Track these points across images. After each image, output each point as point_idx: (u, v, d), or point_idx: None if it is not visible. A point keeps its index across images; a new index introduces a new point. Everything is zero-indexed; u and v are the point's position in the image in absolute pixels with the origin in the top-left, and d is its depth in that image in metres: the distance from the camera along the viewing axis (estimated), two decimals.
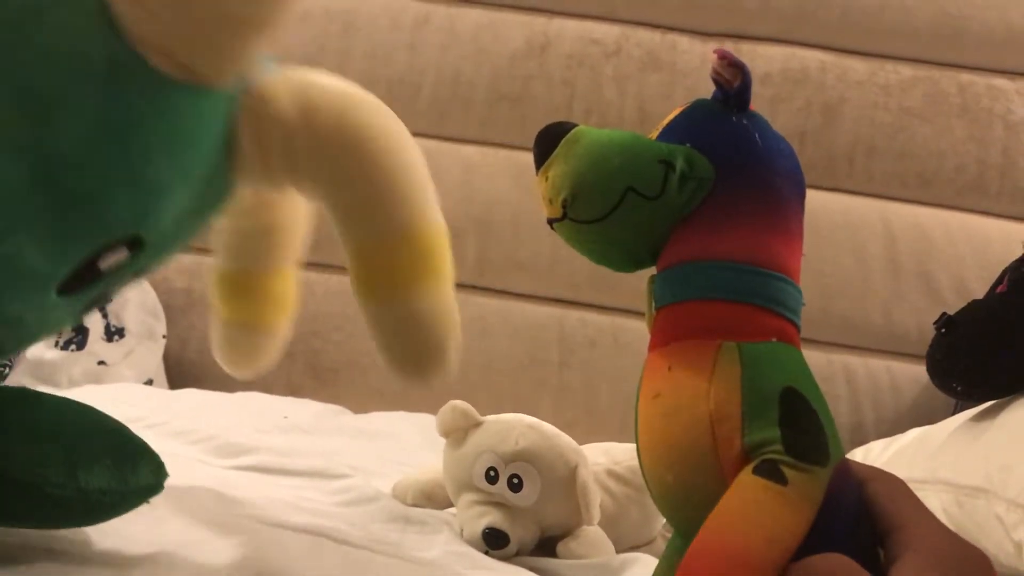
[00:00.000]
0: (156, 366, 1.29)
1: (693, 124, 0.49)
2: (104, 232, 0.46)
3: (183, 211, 0.50)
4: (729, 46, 1.37)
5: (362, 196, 0.52)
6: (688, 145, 0.47)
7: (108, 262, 0.47)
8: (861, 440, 1.22)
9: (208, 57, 0.46)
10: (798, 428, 0.42)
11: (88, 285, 0.48)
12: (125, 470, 0.49)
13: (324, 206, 0.55)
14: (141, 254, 0.49)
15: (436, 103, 1.36)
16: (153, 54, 0.44)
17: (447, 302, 0.54)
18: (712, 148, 0.47)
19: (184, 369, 1.33)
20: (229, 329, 0.69)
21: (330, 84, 0.53)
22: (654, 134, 0.50)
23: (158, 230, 0.49)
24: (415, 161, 0.54)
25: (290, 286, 0.70)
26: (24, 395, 0.49)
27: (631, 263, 0.51)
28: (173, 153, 0.47)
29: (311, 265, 1.30)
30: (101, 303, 0.54)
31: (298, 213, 0.67)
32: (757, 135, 0.48)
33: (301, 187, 0.54)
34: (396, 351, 0.53)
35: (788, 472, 0.40)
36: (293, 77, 0.53)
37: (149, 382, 1.26)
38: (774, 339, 0.45)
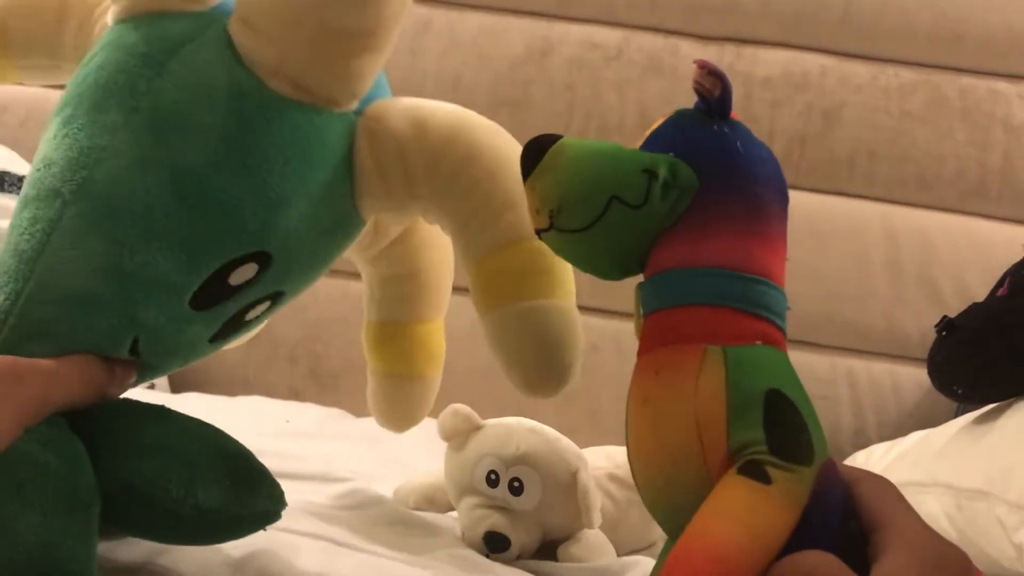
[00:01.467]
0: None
1: (676, 133, 0.49)
2: (230, 243, 0.50)
3: (310, 232, 0.53)
4: (730, 50, 1.38)
5: (477, 205, 0.54)
6: (671, 154, 0.48)
7: (238, 278, 0.51)
8: (863, 443, 1.22)
9: (318, 74, 0.51)
10: (782, 428, 0.43)
11: (220, 301, 0.51)
12: (242, 493, 0.50)
13: (443, 222, 0.56)
14: (269, 272, 0.52)
15: None
16: (269, 77, 0.50)
17: (566, 314, 0.54)
18: (694, 157, 0.48)
19: (186, 374, 1.34)
20: (381, 381, 0.72)
21: (441, 103, 0.56)
22: (638, 143, 0.51)
23: (284, 247, 0.52)
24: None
25: (439, 336, 0.72)
26: (156, 411, 0.51)
27: (618, 271, 0.52)
28: (292, 169, 0.51)
29: None
30: (238, 329, 0.56)
31: (441, 262, 0.70)
32: (738, 143, 0.49)
33: (420, 203, 0.56)
34: (515, 361, 0.54)
35: (772, 472, 0.41)
36: (405, 99, 0.56)
37: (151, 386, 1.26)
38: (759, 342, 0.46)
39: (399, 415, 0.73)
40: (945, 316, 0.84)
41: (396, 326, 0.70)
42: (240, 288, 0.52)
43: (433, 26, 1.38)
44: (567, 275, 0.55)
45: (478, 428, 0.75)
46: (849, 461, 1.11)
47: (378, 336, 0.71)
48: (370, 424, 1.17)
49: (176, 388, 1.29)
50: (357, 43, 0.50)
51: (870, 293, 1.34)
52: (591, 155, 0.48)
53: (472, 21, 1.40)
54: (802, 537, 0.40)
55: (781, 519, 0.40)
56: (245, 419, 1.06)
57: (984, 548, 0.76)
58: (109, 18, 0.54)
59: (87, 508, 0.46)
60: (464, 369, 1.35)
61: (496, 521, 0.69)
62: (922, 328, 1.30)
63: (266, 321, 0.62)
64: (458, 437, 0.75)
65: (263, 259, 0.51)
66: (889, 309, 1.33)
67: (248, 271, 0.51)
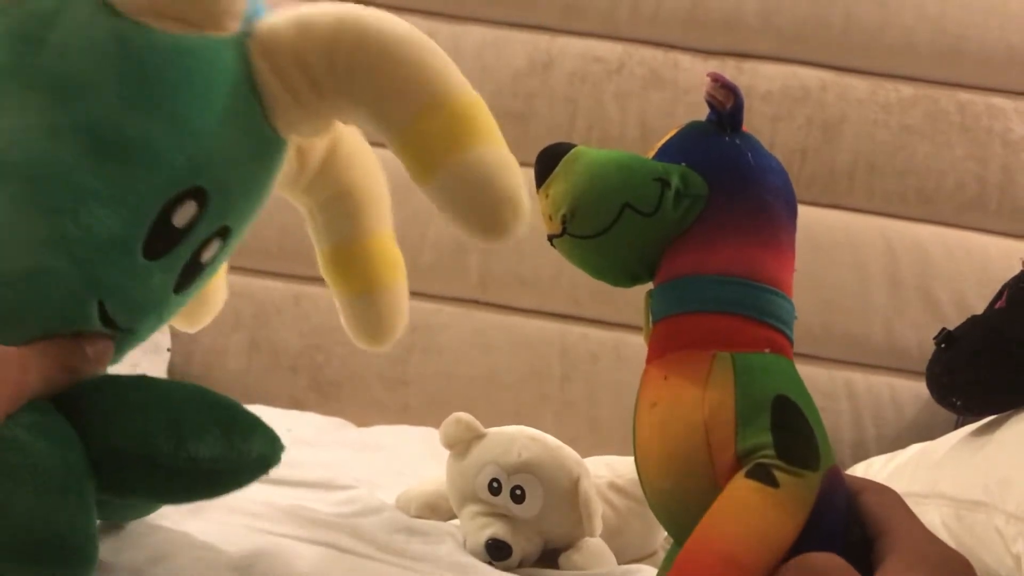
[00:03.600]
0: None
1: (688, 144, 0.50)
2: (161, 184, 0.51)
3: (235, 159, 0.55)
4: (731, 64, 1.39)
5: (382, 84, 0.54)
6: (683, 164, 0.49)
7: (181, 218, 0.52)
8: (862, 455, 1.23)
9: (192, 5, 0.52)
10: (789, 433, 0.43)
11: (171, 247, 0.53)
12: (235, 440, 0.51)
13: (358, 113, 0.56)
14: (210, 208, 0.53)
15: None
16: (147, 18, 0.51)
17: (502, 155, 0.54)
18: (706, 166, 0.49)
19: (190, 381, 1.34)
20: (351, 302, 0.72)
21: (321, 4, 0.56)
22: (651, 153, 0.51)
23: (214, 179, 0.53)
24: (426, 40, 0.56)
25: (391, 246, 0.72)
26: (136, 379, 0.52)
27: (628, 278, 0.52)
28: (196, 99, 0.52)
29: (312, 279, 1.32)
30: (198, 274, 0.57)
31: (371, 173, 0.70)
32: (749, 154, 0.50)
33: (329, 101, 0.56)
34: (466, 210, 0.54)
35: (779, 475, 0.42)
36: (286, 10, 0.56)
37: None
38: (767, 350, 0.46)
39: (378, 330, 0.72)
40: (944, 328, 0.85)
41: (347, 245, 0.70)
42: (187, 230, 0.53)
43: (437, 39, 1.38)
44: (489, 122, 0.55)
45: (480, 436, 0.75)
46: (849, 473, 1.11)
47: (333, 261, 0.71)
48: (371, 433, 1.19)
49: None
50: None
51: (869, 305, 1.35)
52: (605, 163, 0.49)
53: (475, 34, 1.41)
54: (808, 540, 0.41)
55: (788, 522, 0.41)
56: None
57: (983, 558, 0.77)
58: None
59: (81, 484, 0.47)
60: (464, 377, 1.36)
61: (498, 529, 0.70)
62: (921, 341, 1.31)
63: (224, 264, 0.63)
64: (460, 445, 0.75)
65: (199, 195, 0.53)
66: (888, 321, 1.34)
67: (189, 209, 0.52)
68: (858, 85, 1.38)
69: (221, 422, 0.51)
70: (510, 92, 1.39)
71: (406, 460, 1.00)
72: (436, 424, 1.25)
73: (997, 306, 0.85)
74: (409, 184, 1.20)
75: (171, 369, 1.31)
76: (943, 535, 0.81)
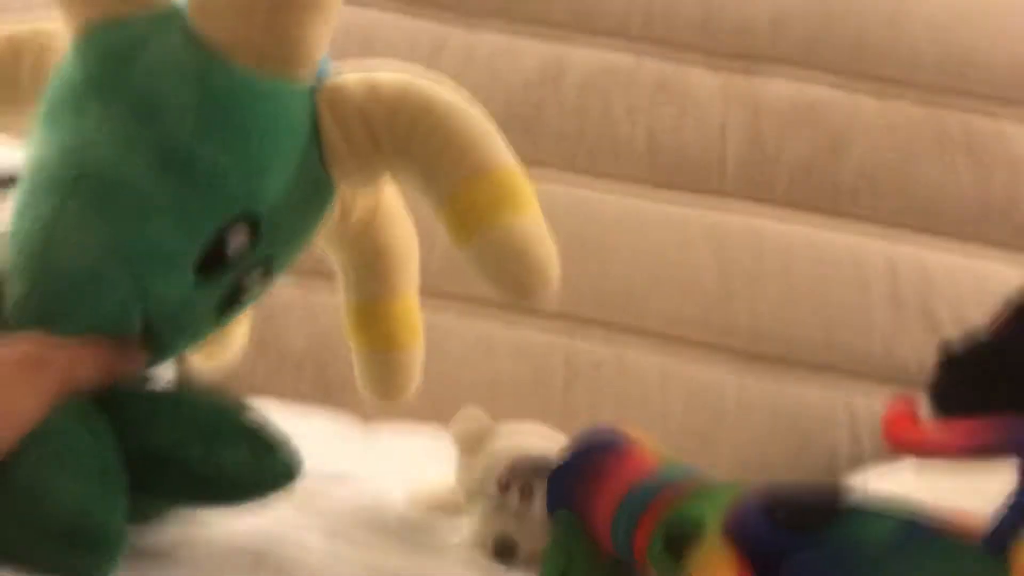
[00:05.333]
0: (168, 380, 1.30)
1: None
2: (221, 207, 0.55)
3: (290, 197, 0.59)
4: (740, 78, 1.40)
5: (438, 148, 0.58)
6: None
7: (233, 242, 0.56)
8: (859, 468, 1.24)
9: (275, 46, 0.56)
10: None
11: (221, 270, 0.56)
12: (261, 453, 0.56)
13: (411, 172, 0.61)
14: (261, 237, 0.57)
15: None
16: (233, 55, 0.55)
17: (538, 224, 0.58)
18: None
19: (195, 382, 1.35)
20: (368, 360, 0.77)
21: (387, 68, 0.61)
22: None
23: (269, 211, 0.57)
24: (480, 115, 0.60)
25: (414, 310, 0.76)
26: (170, 393, 0.58)
27: None
28: (265, 137, 0.56)
29: (320, 277, 1.32)
30: (237, 299, 0.61)
31: (407, 236, 0.74)
32: None
33: (385, 157, 0.60)
34: (500, 275, 0.57)
35: None
36: (353, 71, 0.62)
37: None
38: None
39: (390, 387, 0.78)
40: (945, 348, 0.86)
41: (374, 304, 0.74)
42: (237, 256, 0.57)
43: (449, 45, 1.41)
44: (529, 194, 0.59)
45: (491, 433, 0.76)
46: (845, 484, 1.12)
47: (358, 317, 0.75)
48: (380, 431, 1.19)
49: None
50: (305, 12, 0.55)
51: (870, 322, 1.36)
52: None
53: (488, 41, 1.42)
54: None
55: None
56: None
57: None
58: (67, 35, 0.59)
59: (117, 477, 0.50)
60: (467, 382, 1.37)
61: (506, 527, 0.71)
62: (920, 359, 1.31)
63: (240, 319, 0.66)
64: (470, 441, 0.76)
65: (253, 222, 0.56)
66: (889, 339, 1.35)
67: (241, 236, 0.56)
68: (866, 103, 1.40)
69: (249, 435, 0.54)
70: (521, 99, 1.40)
71: (413, 459, 1.01)
72: (443, 423, 1.27)
73: (998, 326, 0.86)
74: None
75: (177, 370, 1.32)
76: None
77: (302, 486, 0.80)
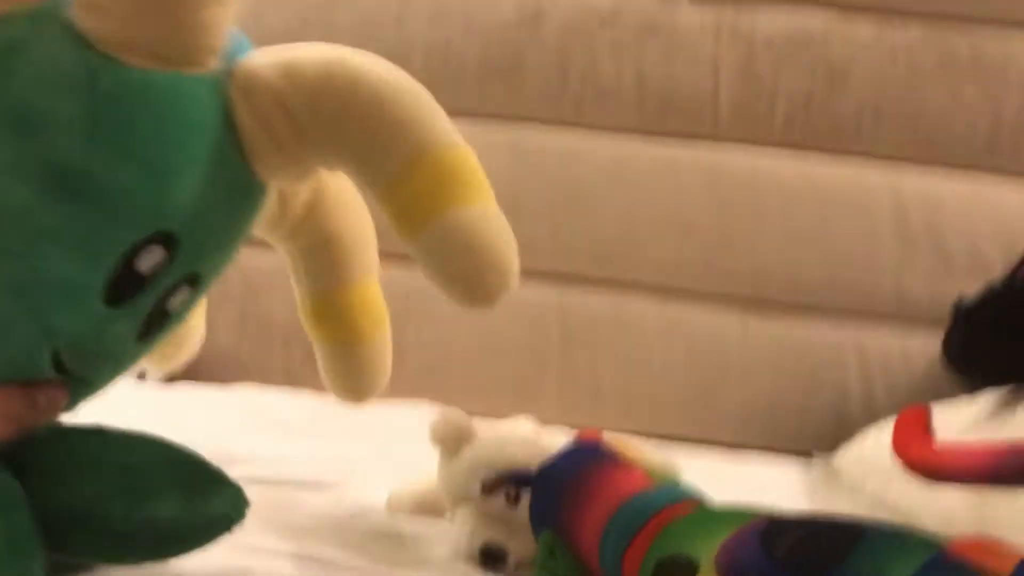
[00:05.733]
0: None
1: None
2: (125, 228, 0.48)
3: (209, 202, 0.51)
4: (730, 11, 1.32)
5: (370, 134, 0.52)
6: None
7: (146, 264, 0.49)
8: (873, 412, 1.19)
9: (169, 37, 0.49)
10: None
11: (134, 294, 0.50)
12: (196, 501, 0.50)
13: (343, 162, 0.54)
14: (180, 254, 0.50)
15: (427, 78, 1.29)
16: (124, 53, 0.48)
17: (491, 214, 0.52)
18: None
19: None
20: (330, 353, 0.70)
21: (308, 46, 0.53)
22: None
23: (185, 223, 0.50)
24: (417, 89, 0.54)
25: (376, 297, 0.69)
26: (93, 432, 0.51)
27: None
28: (170, 138, 0.49)
29: None
30: (164, 322, 0.54)
31: (358, 221, 0.67)
32: None
33: (313, 149, 0.53)
34: (450, 275, 0.52)
35: None
36: (271, 49, 0.54)
37: (142, 375, 1.23)
38: None
39: (357, 385, 0.71)
40: (960, 300, 0.80)
41: (330, 295, 0.68)
42: (152, 276, 0.50)
43: None
44: (480, 179, 0.53)
45: (471, 436, 0.71)
46: (859, 441, 1.08)
47: (314, 310, 0.69)
48: (365, 415, 1.15)
49: (168, 376, 1.26)
50: None
51: (878, 258, 1.30)
52: None
53: None
54: None
55: None
56: (236, 412, 1.03)
57: (1007, 539, 0.73)
58: None
59: (28, 542, 0.45)
60: (461, 346, 1.32)
61: (493, 534, 0.67)
62: (932, 294, 1.26)
63: (194, 312, 0.60)
64: (451, 444, 0.72)
65: (168, 240, 0.50)
66: (898, 276, 1.29)
67: (155, 255, 0.50)
68: (864, 28, 1.31)
69: (181, 481, 0.49)
70: (499, 46, 1.32)
71: (402, 444, 0.96)
72: (433, 396, 1.23)
73: (1020, 274, 0.81)
74: None
75: None
76: (962, 515, 0.77)
77: (277, 492, 0.77)
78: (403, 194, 0.51)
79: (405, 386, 1.26)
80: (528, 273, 1.28)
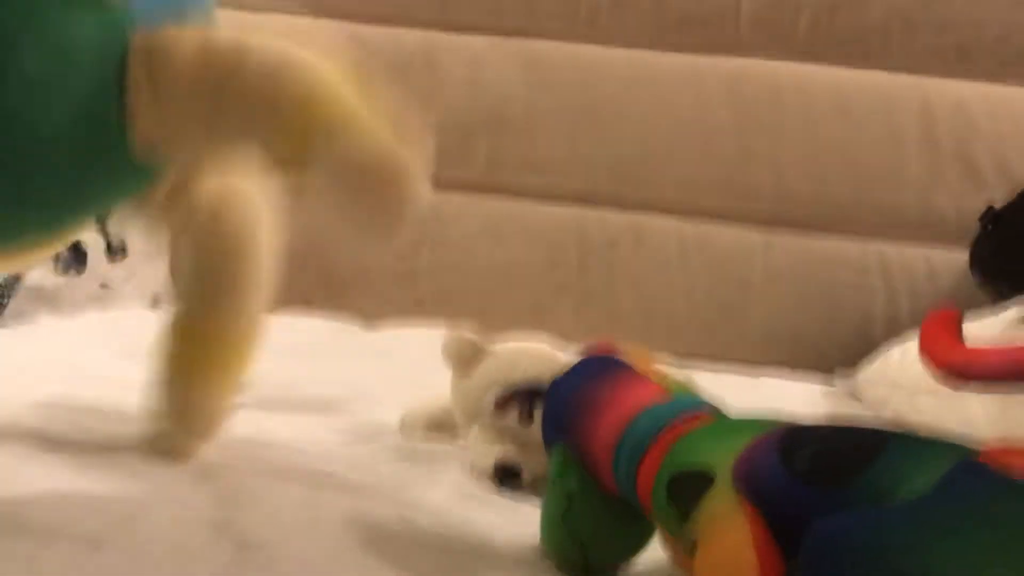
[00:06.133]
0: (163, 284, 1.25)
1: None
2: None
3: (64, 142, 0.48)
4: None
5: (263, 118, 0.50)
6: None
7: None
8: (897, 331, 1.16)
9: None
10: None
11: None
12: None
13: (229, 132, 0.52)
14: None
15: None
16: None
17: (378, 131, 0.49)
18: None
19: None
20: (169, 385, 0.61)
21: (253, 38, 0.51)
22: None
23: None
24: (318, 73, 0.50)
25: (249, 340, 0.62)
26: None
27: None
28: (46, 53, 0.46)
29: None
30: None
31: (258, 242, 0.60)
32: None
33: (201, 124, 0.51)
34: (354, 202, 0.50)
35: None
36: (207, 28, 0.52)
37: (156, 301, 1.22)
38: None
39: (183, 429, 0.62)
40: (990, 207, 0.77)
41: (199, 319, 0.61)
42: None
43: None
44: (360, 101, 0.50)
45: (484, 353, 0.70)
46: (883, 359, 1.06)
47: (178, 331, 0.61)
48: (378, 337, 1.14)
49: None
50: None
51: (904, 173, 1.27)
52: None
53: None
54: None
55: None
56: None
57: None
58: None
59: None
60: (477, 269, 1.30)
61: (507, 451, 0.65)
62: (959, 208, 1.23)
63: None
64: (463, 363, 0.70)
65: None
66: (924, 189, 1.26)
67: None
68: None
69: None
70: None
71: (415, 366, 0.94)
72: (450, 321, 1.21)
73: None
74: (405, 65, 1.12)
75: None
76: (983, 424, 0.76)
77: (289, 417, 0.76)
78: (289, 143, 0.49)
79: (422, 311, 1.25)
80: (545, 194, 1.29)
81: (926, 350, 0.41)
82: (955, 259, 1.22)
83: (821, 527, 0.36)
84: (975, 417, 0.77)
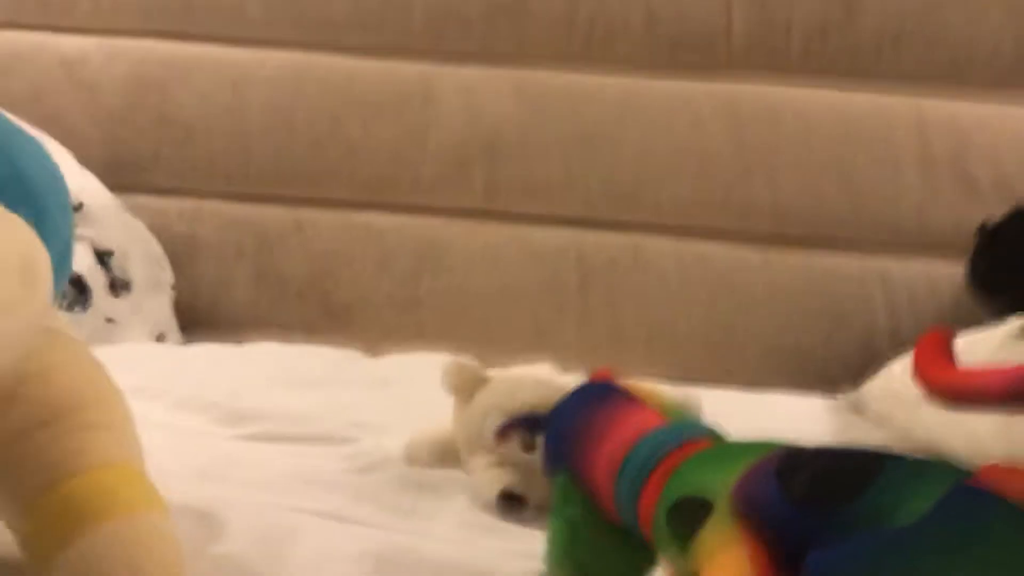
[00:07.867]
0: (167, 318, 1.26)
1: None
2: None
3: None
4: None
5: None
6: None
7: None
8: (900, 345, 1.16)
9: None
10: None
11: None
12: None
13: None
14: None
15: (432, 21, 1.28)
16: None
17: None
18: None
19: (197, 316, 1.30)
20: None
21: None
22: None
23: None
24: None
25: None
26: None
27: None
28: None
29: (313, 201, 1.25)
30: None
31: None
32: None
33: None
34: None
35: None
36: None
37: (161, 336, 1.23)
38: None
39: None
40: (985, 223, 0.78)
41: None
42: None
43: None
44: (134, 491, 0.48)
45: (484, 381, 0.70)
46: (886, 373, 1.06)
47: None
48: (382, 365, 1.14)
49: (187, 332, 1.26)
50: None
51: (901, 188, 1.27)
52: None
53: None
54: None
55: None
56: (255, 368, 1.03)
57: None
58: None
59: None
60: (478, 294, 1.31)
61: (511, 479, 0.66)
62: (957, 223, 1.23)
63: None
64: (464, 391, 0.71)
65: None
66: (921, 204, 1.27)
67: None
68: None
69: None
70: None
71: (419, 393, 0.95)
72: (451, 345, 1.22)
73: None
74: (402, 96, 1.13)
75: (177, 305, 1.27)
76: (989, 442, 0.76)
77: (294, 449, 0.76)
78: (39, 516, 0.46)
79: (424, 338, 1.25)
80: (543, 218, 1.30)
81: (920, 373, 0.41)
82: (955, 273, 1.22)
83: (818, 558, 0.36)
84: (980, 431, 0.77)
